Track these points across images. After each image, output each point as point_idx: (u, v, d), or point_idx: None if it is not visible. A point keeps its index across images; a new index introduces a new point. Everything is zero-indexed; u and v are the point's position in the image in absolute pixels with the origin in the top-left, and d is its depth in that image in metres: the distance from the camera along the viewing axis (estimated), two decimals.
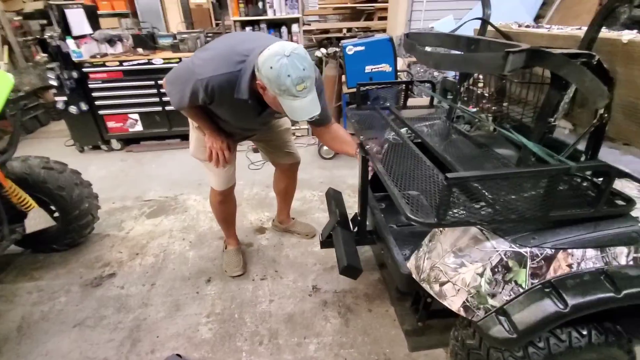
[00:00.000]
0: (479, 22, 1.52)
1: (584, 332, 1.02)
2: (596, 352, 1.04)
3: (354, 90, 1.86)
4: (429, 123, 1.71)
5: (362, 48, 3.12)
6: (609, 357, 1.06)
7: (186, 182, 3.23)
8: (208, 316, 1.89)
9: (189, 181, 3.24)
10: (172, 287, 2.08)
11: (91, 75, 3.61)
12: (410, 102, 1.95)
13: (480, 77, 1.57)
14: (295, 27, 4.31)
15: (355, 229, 1.80)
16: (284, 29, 4.32)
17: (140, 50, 3.86)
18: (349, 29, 5.79)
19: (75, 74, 3.52)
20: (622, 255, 0.97)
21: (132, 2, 5.82)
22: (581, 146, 1.09)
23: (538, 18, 4.24)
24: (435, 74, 3.54)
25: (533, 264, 0.96)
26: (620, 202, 1.00)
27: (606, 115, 0.99)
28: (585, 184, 1.05)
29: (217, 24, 6.10)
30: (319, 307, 1.92)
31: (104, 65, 3.59)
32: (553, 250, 0.96)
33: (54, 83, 3.47)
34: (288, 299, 1.98)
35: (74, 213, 2.24)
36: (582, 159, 1.11)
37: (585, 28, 1.04)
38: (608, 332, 1.04)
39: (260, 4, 4.14)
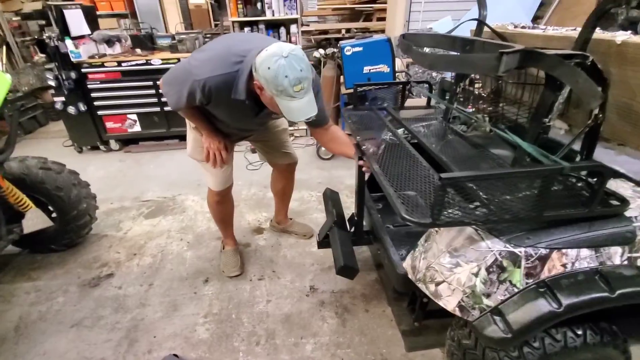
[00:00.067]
0: (475, 23, 1.53)
1: (579, 332, 1.02)
2: (592, 352, 1.04)
3: (352, 91, 1.87)
4: (425, 123, 1.72)
5: (360, 49, 3.12)
6: (604, 357, 1.06)
7: (184, 183, 3.23)
8: (205, 316, 1.89)
9: (187, 182, 3.25)
10: (170, 288, 2.08)
11: (89, 76, 3.61)
12: (409, 102, 1.96)
13: (477, 77, 1.58)
14: (293, 28, 4.32)
15: (352, 229, 1.81)
16: (282, 30, 4.33)
17: (138, 50, 3.87)
18: (348, 30, 5.80)
19: (73, 75, 3.52)
20: (616, 255, 0.98)
21: (131, 3, 5.82)
22: (577, 146, 1.10)
23: (536, 19, 4.25)
24: (434, 74, 3.54)
25: (527, 263, 0.96)
26: (614, 202, 1.00)
27: (601, 115, 0.99)
28: (580, 184, 1.06)
29: (215, 25, 6.10)
30: (316, 308, 1.92)
31: (102, 65, 3.59)
32: (547, 250, 0.96)
33: (53, 83, 3.47)
34: (285, 299, 1.99)
35: (71, 213, 2.24)
36: (578, 159, 1.12)
37: (580, 29, 1.05)
38: (603, 332, 1.04)
39: (258, 5, 4.16)
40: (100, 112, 3.79)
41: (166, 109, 3.81)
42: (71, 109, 3.60)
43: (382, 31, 5.42)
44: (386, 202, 1.84)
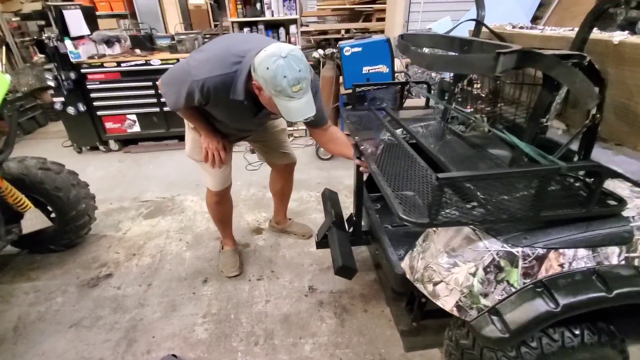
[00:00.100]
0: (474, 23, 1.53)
1: (577, 332, 1.02)
2: (589, 352, 1.04)
3: (351, 91, 1.87)
4: (424, 124, 1.72)
5: (360, 49, 3.13)
6: (602, 357, 1.06)
7: (183, 183, 3.24)
8: (204, 316, 1.89)
9: (187, 182, 3.25)
10: (169, 288, 2.08)
11: (89, 76, 3.61)
12: (408, 103, 1.96)
13: (476, 77, 1.58)
14: (293, 29, 4.32)
15: (351, 230, 1.81)
16: (282, 30, 4.34)
17: (138, 51, 3.87)
18: (347, 30, 5.81)
19: (73, 75, 3.52)
20: (613, 255, 0.98)
21: (131, 3, 5.82)
22: (575, 146, 1.10)
23: (535, 19, 4.26)
24: (433, 75, 3.55)
25: (525, 263, 0.96)
26: (612, 202, 1.00)
27: (598, 115, 0.99)
28: (577, 184, 1.06)
29: (215, 25, 6.10)
30: (314, 308, 1.92)
31: (101, 66, 3.59)
32: (545, 250, 0.96)
33: (52, 84, 3.47)
34: (284, 299, 1.99)
35: (71, 214, 2.24)
36: (575, 159, 1.12)
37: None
38: (601, 332, 1.04)
39: (258, 5, 4.16)
40: (99, 113, 3.79)
41: (165, 109, 3.81)
42: (70, 110, 3.61)
43: (382, 31, 5.43)
44: (384, 202, 1.84)
